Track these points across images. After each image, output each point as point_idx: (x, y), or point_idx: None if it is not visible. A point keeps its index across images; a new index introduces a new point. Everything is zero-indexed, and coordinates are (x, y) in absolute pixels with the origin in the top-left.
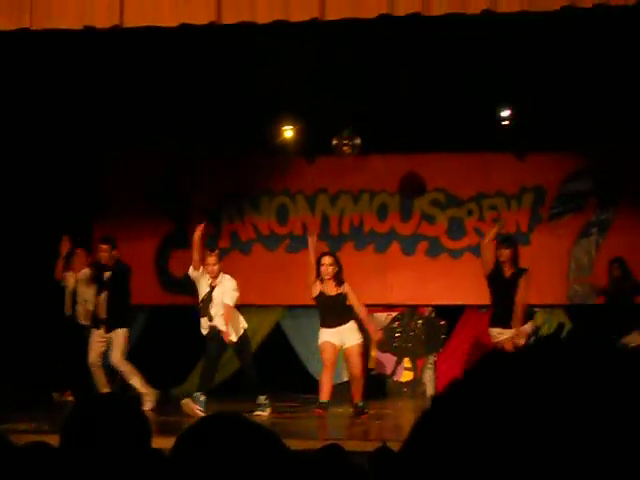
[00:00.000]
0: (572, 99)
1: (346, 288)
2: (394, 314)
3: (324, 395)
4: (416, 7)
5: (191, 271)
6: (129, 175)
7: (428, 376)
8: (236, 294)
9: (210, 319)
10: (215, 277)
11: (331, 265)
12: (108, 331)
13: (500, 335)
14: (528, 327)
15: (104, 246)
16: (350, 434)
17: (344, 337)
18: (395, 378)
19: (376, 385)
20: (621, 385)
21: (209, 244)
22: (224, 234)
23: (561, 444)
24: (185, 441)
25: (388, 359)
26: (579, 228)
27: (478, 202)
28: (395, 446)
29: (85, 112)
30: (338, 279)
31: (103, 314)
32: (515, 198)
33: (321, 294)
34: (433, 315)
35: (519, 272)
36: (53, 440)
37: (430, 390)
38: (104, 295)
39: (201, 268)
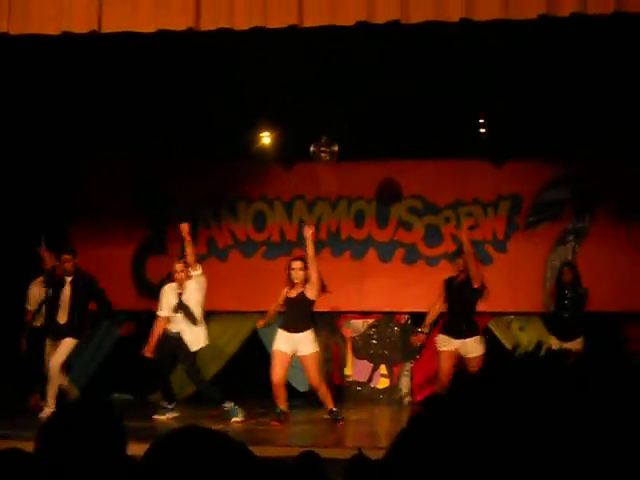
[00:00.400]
0: (550, 107)
1: (305, 287)
2: (370, 321)
3: (279, 403)
4: (394, 15)
5: (198, 271)
6: (105, 180)
7: (404, 383)
8: (201, 293)
9: (193, 322)
10: (181, 284)
11: (301, 270)
12: (59, 338)
13: (445, 345)
14: (477, 341)
15: (67, 256)
16: (326, 441)
17: (298, 345)
18: (371, 385)
19: (352, 392)
20: (605, 404)
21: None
22: (201, 240)
23: (536, 459)
24: (154, 455)
25: (364, 366)
26: (556, 236)
27: (455, 209)
28: (371, 453)
29: (63, 117)
30: (306, 282)
31: (62, 322)
32: (492, 205)
33: (286, 298)
34: (409, 322)
35: (467, 279)
36: (27, 446)
37: (406, 397)
38: (64, 304)
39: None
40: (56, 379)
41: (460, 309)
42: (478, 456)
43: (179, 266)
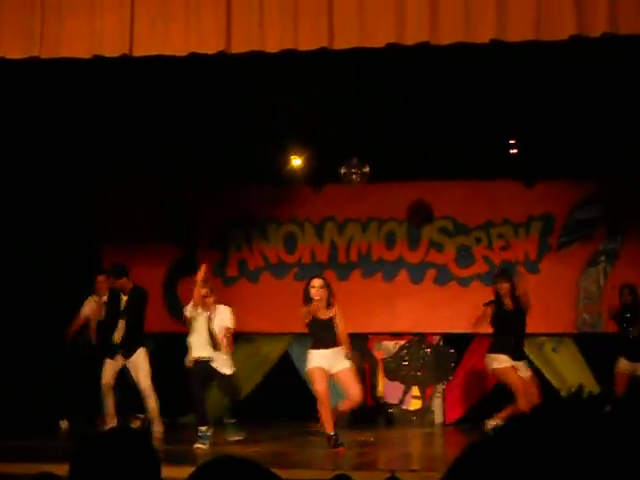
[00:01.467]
0: (580, 127)
1: (335, 311)
2: (402, 342)
3: (330, 427)
4: (424, 36)
5: (189, 308)
6: (133, 205)
7: (437, 404)
8: (234, 318)
9: (215, 347)
10: (208, 309)
11: (321, 287)
12: (128, 356)
13: (505, 362)
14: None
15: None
16: (358, 463)
17: (335, 361)
18: (403, 406)
19: (384, 413)
20: None
21: (217, 271)
22: (232, 262)
23: None
24: None
25: (396, 387)
26: (587, 257)
27: (486, 230)
28: (403, 476)
29: (90, 138)
30: (328, 302)
31: (119, 340)
32: (523, 226)
33: (314, 319)
34: (442, 343)
35: (519, 303)
36: (60, 470)
37: (439, 418)
38: (122, 321)
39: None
40: (152, 395)
41: (514, 332)
42: None
43: (205, 291)
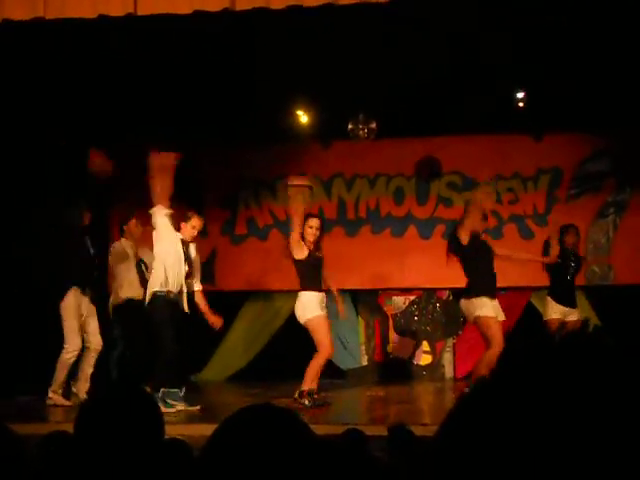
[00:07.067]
0: (589, 80)
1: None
2: (412, 298)
3: (308, 383)
4: None
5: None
6: (143, 165)
7: (447, 359)
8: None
9: (187, 276)
10: (191, 241)
11: (318, 229)
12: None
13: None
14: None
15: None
16: (369, 418)
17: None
18: (414, 361)
19: (395, 369)
20: None
21: (225, 229)
22: (241, 220)
23: (584, 443)
24: (225, 432)
25: (407, 343)
26: (596, 209)
27: (495, 184)
28: (415, 430)
29: (97, 100)
30: (318, 244)
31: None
32: (532, 179)
33: (310, 255)
34: (451, 298)
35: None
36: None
37: (449, 373)
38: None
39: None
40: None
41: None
42: (525, 440)
43: (198, 222)
